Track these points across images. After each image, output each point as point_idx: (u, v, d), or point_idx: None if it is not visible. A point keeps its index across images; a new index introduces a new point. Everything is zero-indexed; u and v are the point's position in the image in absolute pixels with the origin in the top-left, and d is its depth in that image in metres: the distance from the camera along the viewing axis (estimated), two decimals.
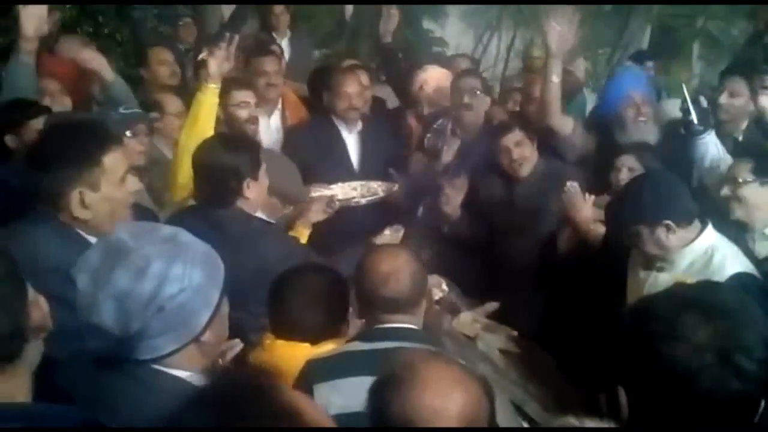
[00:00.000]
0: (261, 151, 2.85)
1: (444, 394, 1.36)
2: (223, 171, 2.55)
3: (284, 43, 5.69)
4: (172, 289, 1.41)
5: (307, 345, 2.08)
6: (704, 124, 3.15)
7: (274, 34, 5.74)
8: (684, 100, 3.23)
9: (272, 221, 2.73)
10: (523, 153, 3.45)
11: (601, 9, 8.26)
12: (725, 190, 2.79)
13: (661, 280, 2.55)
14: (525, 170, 3.47)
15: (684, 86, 3.28)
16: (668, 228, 2.48)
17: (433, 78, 4.11)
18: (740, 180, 2.76)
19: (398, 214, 3.62)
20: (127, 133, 3.02)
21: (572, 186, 3.20)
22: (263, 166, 2.64)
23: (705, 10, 8.51)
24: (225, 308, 1.54)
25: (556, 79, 3.37)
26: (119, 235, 1.47)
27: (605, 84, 4.23)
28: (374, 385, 1.40)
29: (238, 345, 1.97)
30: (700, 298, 1.25)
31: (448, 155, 3.75)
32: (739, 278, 2.41)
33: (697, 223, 2.54)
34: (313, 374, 1.88)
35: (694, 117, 3.14)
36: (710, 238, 2.53)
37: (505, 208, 3.54)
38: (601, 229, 3.05)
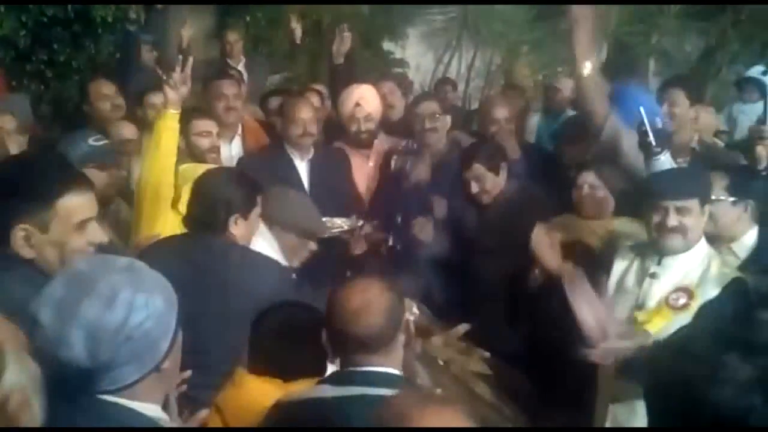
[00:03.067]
0: (276, 189, 2.95)
1: None
2: (216, 201, 2.57)
3: (240, 69, 5.71)
4: (139, 317, 1.40)
5: (278, 381, 2.03)
6: (661, 145, 3.17)
7: (229, 61, 5.75)
8: (642, 122, 3.24)
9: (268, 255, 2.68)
10: (483, 186, 3.45)
11: (558, 28, 8.38)
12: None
13: (654, 289, 2.56)
14: (486, 200, 3.48)
15: (642, 108, 3.28)
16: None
17: (368, 95, 4.07)
18: (713, 196, 2.76)
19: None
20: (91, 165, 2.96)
21: (538, 229, 3.13)
22: (257, 210, 2.64)
23: (659, 27, 8.69)
24: (180, 336, 1.54)
25: (588, 71, 3.23)
26: (79, 267, 1.47)
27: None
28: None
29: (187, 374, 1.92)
30: (738, 334, 1.20)
31: (415, 178, 3.73)
32: (736, 283, 2.46)
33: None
34: (281, 419, 1.81)
35: (651, 138, 3.16)
36: (705, 246, 2.55)
37: (474, 230, 3.53)
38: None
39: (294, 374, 2.02)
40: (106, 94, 4.03)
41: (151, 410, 1.48)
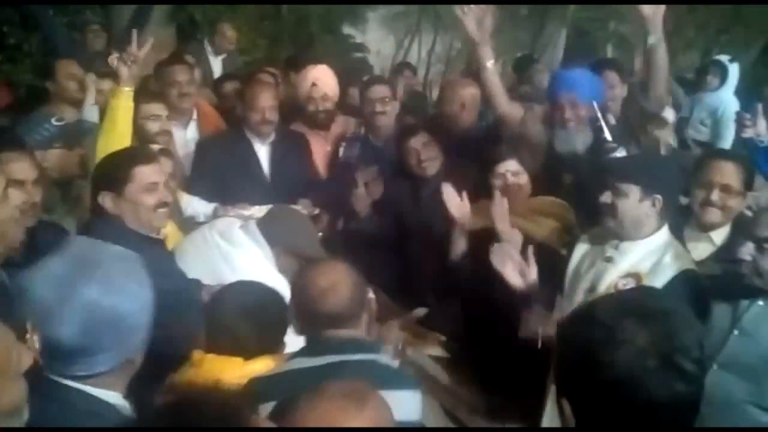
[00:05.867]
0: (283, 209, 2.91)
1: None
2: (91, 179, 2.49)
3: (218, 60, 5.74)
4: (130, 306, 1.42)
5: (239, 360, 2.02)
6: (616, 141, 3.18)
7: (209, 47, 5.75)
8: (596, 118, 3.25)
9: (158, 238, 2.54)
10: (429, 153, 3.50)
11: (517, 13, 8.44)
12: (715, 195, 2.77)
13: (608, 273, 2.59)
14: (432, 170, 3.51)
15: (595, 104, 3.22)
16: (654, 203, 2.53)
17: (324, 75, 4.03)
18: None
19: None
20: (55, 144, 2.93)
21: (446, 187, 3.14)
22: (134, 185, 2.44)
23: (617, 13, 8.79)
24: (150, 331, 1.53)
25: (490, 65, 3.32)
26: (78, 248, 1.48)
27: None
28: (272, 411, 1.38)
29: None
30: (636, 302, 1.24)
31: (362, 161, 3.73)
32: (686, 274, 2.48)
33: (662, 219, 2.59)
34: (258, 393, 1.82)
35: (607, 134, 3.17)
36: (665, 236, 2.59)
37: (411, 209, 3.56)
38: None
39: (254, 352, 2.02)
40: (74, 74, 3.96)
41: (114, 398, 1.47)
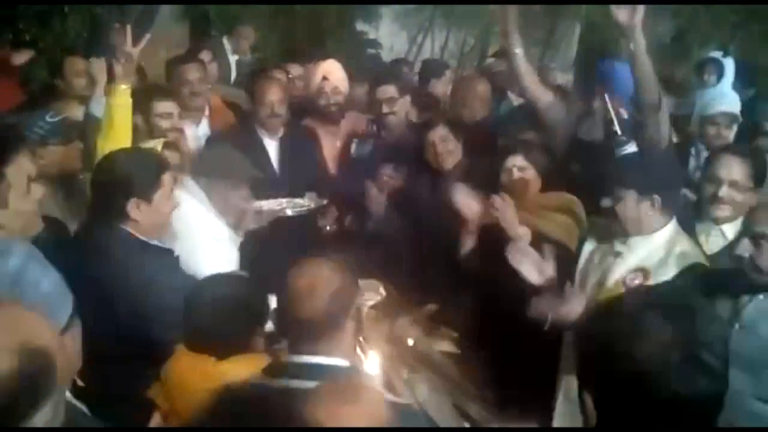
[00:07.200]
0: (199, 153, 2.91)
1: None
2: (112, 184, 2.37)
3: (233, 60, 5.80)
4: (34, 275, 1.40)
5: (210, 360, 1.98)
6: (627, 136, 3.17)
7: (227, 43, 5.76)
8: (607, 111, 3.22)
9: (168, 248, 2.50)
10: (447, 147, 3.52)
11: (530, 9, 8.39)
12: (723, 191, 2.78)
13: (616, 268, 2.60)
14: (449, 163, 3.54)
15: (606, 97, 3.24)
16: (653, 204, 2.54)
17: (335, 69, 4.07)
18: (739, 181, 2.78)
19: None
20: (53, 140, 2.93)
21: (460, 187, 3.17)
22: (163, 191, 2.41)
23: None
24: (78, 332, 1.49)
25: (518, 50, 3.44)
26: None
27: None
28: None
29: None
30: (660, 297, 1.26)
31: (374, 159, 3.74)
32: (693, 268, 2.50)
33: (667, 215, 2.60)
34: (218, 408, 1.76)
35: (617, 128, 3.16)
36: (672, 231, 2.59)
37: (428, 204, 3.56)
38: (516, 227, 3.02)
39: (224, 351, 1.98)
40: (82, 71, 3.98)
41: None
